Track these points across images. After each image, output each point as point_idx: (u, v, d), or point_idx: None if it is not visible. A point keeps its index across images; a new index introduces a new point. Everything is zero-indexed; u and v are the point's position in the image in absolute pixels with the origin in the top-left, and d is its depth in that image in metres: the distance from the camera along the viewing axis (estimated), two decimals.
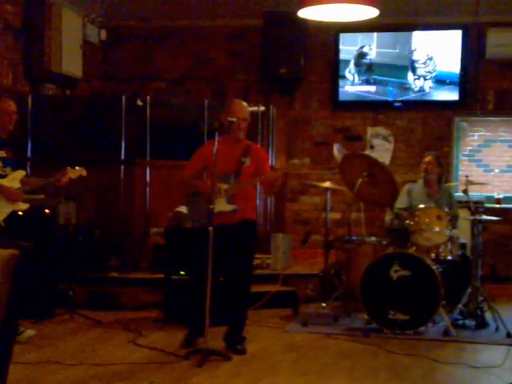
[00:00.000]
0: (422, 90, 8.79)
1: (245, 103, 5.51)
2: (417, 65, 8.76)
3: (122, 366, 4.96)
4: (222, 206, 5.28)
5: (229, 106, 5.48)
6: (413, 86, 8.81)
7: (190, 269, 6.22)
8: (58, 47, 8.07)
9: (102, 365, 4.96)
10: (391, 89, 8.87)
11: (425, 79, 8.76)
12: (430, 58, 8.72)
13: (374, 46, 8.88)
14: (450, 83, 8.70)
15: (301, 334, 6.07)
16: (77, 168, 5.79)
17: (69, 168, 5.74)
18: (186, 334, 5.52)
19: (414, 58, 8.77)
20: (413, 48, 8.77)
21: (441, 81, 8.73)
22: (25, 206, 5.63)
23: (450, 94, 8.73)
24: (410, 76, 8.79)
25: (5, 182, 5.52)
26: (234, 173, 5.37)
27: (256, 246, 5.74)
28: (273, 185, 5.42)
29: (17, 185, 5.58)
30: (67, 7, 8.31)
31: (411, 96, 8.83)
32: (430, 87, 8.76)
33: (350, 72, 8.95)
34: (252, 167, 5.42)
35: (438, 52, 8.72)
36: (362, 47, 8.90)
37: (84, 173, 5.83)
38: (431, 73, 8.73)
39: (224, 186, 5.33)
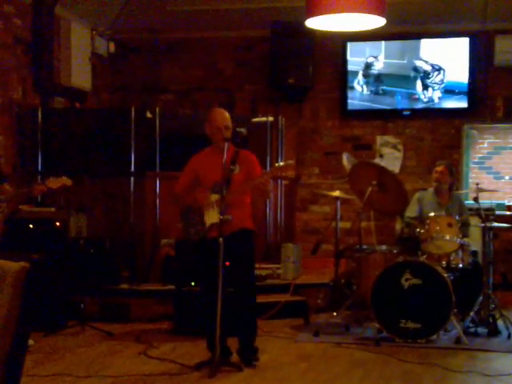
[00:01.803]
0: (431, 100, 8.78)
1: (225, 111, 5.40)
2: (425, 75, 8.75)
3: (133, 377, 4.96)
4: (215, 218, 5.14)
5: (209, 115, 5.39)
6: (422, 97, 8.80)
7: (198, 281, 6.21)
8: (67, 60, 8.14)
9: (113, 376, 4.96)
10: (400, 98, 8.86)
11: (433, 90, 8.75)
12: (439, 69, 8.71)
13: (381, 57, 8.88)
14: (459, 93, 8.68)
15: (312, 344, 6.06)
16: (61, 178, 5.60)
17: (51, 178, 5.58)
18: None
19: (423, 68, 8.76)
20: (421, 58, 8.76)
21: (450, 91, 8.72)
22: None
23: (459, 103, 8.72)
24: (419, 86, 8.78)
25: None
26: (225, 182, 5.18)
27: (255, 255, 5.57)
28: (262, 190, 5.24)
29: None
30: (76, 20, 8.38)
31: (420, 105, 8.83)
32: (438, 97, 8.75)
33: (358, 83, 8.95)
34: (242, 173, 5.27)
35: (447, 61, 8.70)
36: (369, 57, 8.90)
37: (68, 183, 5.61)
38: (440, 84, 8.72)
39: (216, 197, 5.19)
